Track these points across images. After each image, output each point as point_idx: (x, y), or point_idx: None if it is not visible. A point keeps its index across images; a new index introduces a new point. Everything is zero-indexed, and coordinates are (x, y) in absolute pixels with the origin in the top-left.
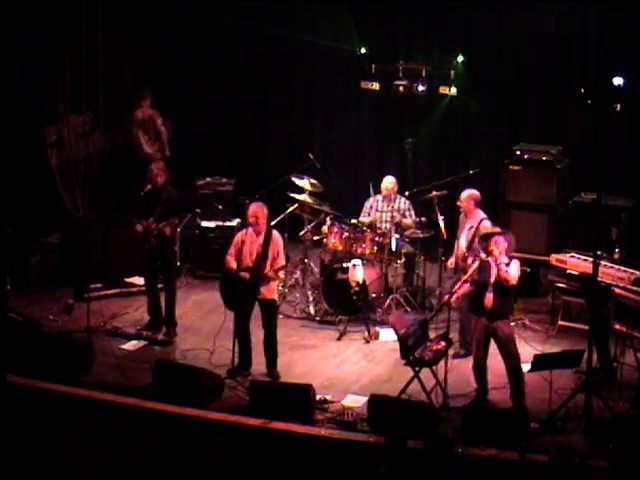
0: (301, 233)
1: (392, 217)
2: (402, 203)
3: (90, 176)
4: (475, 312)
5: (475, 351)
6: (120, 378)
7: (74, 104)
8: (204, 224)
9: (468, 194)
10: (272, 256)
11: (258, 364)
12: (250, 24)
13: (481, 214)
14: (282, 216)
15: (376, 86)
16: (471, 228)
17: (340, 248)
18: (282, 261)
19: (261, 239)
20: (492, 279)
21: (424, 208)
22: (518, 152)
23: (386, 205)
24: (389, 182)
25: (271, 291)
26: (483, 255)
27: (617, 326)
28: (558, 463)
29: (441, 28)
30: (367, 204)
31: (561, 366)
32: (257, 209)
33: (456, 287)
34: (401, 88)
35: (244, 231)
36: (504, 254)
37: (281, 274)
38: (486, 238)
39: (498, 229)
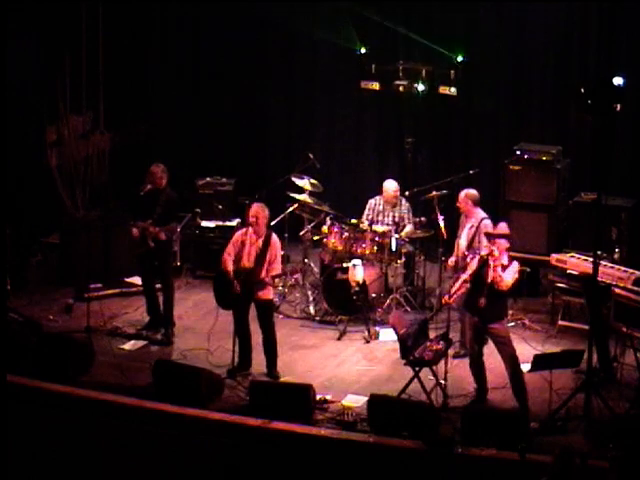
0: (301, 233)
1: (393, 217)
2: (403, 206)
3: (90, 176)
4: (469, 310)
5: (470, 349)
6: (120, 378)
7: (74, 104)
8: (204, 224)
9: (465, 193)
10: (269, 260)
11: (258, 364)
12: (250, 24)
13: (481, 213)
14: (282, 216)
15: (376, 86)
16: (472, 227)
17: (340, 248)
18: (278, 269)
19: (260, 242)
20: (489, 280)
21: (424, 208)
22: (518, 152)
23: (389, 206)
24: (393, 188)
25: (266, 292)
26: (483, 252)
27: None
28: (562, 464)
29: (441, 28)
30: (369, 205)
31: (561, 366)
32: (258, 209)
33: (456, 287)
34: (401, 88)
35: (244, 231)
36: (505, 254)
37: (277, 281)
38: (490, 238)
39: (502, 230)
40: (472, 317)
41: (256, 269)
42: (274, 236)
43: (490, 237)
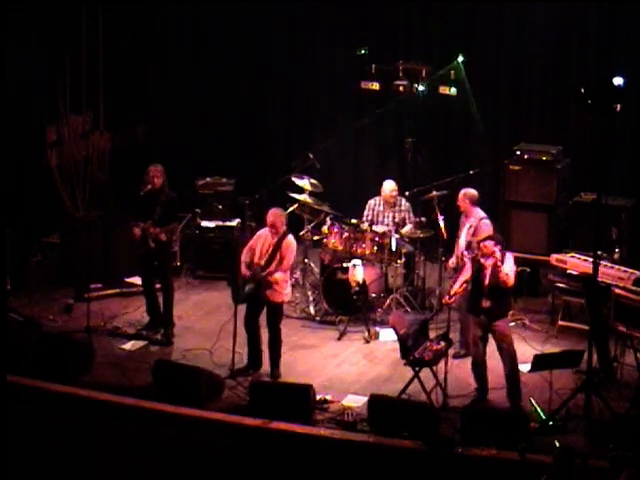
0: (301, 233)
1: (393, 217)
2: (403, 205)
3: (90, 176)
4: (472, 312)
5: (473, 350)
6: (120, 378)
7: (74, 104)
8: (204, 224)
9: (463, 193)
10: (279, 259)
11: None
12: (250, 24)
13: (480, 213)
14: None
15: (376, 86)
16: (471, 227)
17: (340, 248)
18: (285, 269)
19: (274, 241)
20: (487, 280)
21: (424, 208)
22: (518, 152)
23: (388, 207)
24: (392, 189)
25: (277, 294)
26: (479, 253)
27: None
28: (562, 464)
29: (441, 28)
30: (369, 206)
31: (561, 366)
32: (274, 219)
33: (456, 287)
34: (401, 88)
35: (266, 231)
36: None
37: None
38: (481, 242)
39: (485, 232)
40: (475, 319)
41: (265, 267)
42: (289, 237)
43: (479, 242)
